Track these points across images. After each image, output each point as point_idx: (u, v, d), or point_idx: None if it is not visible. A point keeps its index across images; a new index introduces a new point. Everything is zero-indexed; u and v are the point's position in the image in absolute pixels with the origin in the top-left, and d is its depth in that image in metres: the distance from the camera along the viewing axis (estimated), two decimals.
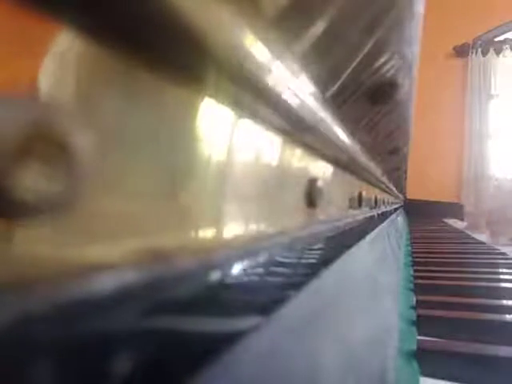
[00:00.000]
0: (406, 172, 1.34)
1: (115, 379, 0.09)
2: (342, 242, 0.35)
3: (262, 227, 0.17)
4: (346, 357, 0.22)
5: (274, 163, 0.19)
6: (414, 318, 0.45)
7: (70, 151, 0.07)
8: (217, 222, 0.14)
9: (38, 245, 0.07)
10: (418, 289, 0.58)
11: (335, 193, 0.33)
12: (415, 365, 0.34)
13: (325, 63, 0.20)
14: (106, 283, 0.08)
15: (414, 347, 0.37)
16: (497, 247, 1.00)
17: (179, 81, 0.11)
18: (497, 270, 0.69)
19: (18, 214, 0.07)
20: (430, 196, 2.34)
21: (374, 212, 0.63)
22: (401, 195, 1.71)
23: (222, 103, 0.13)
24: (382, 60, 0.26)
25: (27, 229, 0.07)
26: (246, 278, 0.15)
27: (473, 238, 1.24)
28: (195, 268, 0.11)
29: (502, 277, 0.65)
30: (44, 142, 0.07)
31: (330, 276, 0.25)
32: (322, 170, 0.28)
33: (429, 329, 0.43)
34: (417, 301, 0.52)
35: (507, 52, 2.74)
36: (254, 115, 0.15)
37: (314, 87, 0.20)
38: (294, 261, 0.21)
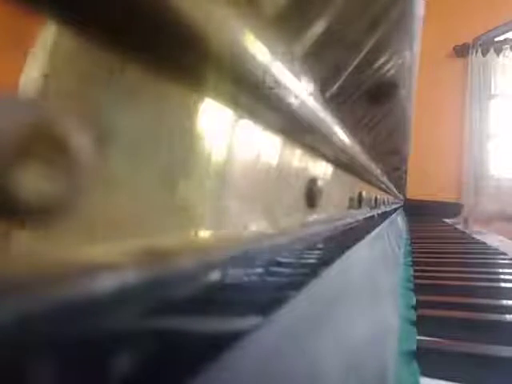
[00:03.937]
0: (406, 172, 1.34)
1: (115, 379, 0.09)
2: (342, 241, 0.35)
3: (262, 227, 0.17)
4: (346, 357, 0.22)
5: (274, 163, 0.19)
6: (414, 318, 0.45)
7: (70, 151, 0.07)
8: (217, 222, 0.14)
9: (37, 245, 0.07)
10: (417, 289, 0.58)
11: (335, 193, 0.33)
12: (415, 365, 0.34)
13: (325, 63, 0.20)
14: (105, 283, 0.08)
15: (414, 347, 0.37)
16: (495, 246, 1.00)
17: (179, 81, 0.11)
18: (497, 270, 0.69)
19: (18, 213, 0.07)
20: (429, 196, 2.34)
21: (374, 212, 0.63)
22: (401, 195, 1.71)
23: (222, 103, 0.13)
24: (382, 60, 0.26)
25: (27, 229, 0.07)
26: (245, 278, 0.15)
27: (473, 238, 1.24)
28: (195, 268, 0.11)
29: (501, 277, 0.65)
30: (44, 142, 0.07)
31: (329, 276, 0.25)
32: (322, 170, 0.28)
33: (429, 329, 0.43)
34: (417, 301, 0.52)
35: (507, 52, 2.73)
36: (254, 115, 0.15)
37: (314, 87, 0.20)
38: (294, 261, 0.21)
